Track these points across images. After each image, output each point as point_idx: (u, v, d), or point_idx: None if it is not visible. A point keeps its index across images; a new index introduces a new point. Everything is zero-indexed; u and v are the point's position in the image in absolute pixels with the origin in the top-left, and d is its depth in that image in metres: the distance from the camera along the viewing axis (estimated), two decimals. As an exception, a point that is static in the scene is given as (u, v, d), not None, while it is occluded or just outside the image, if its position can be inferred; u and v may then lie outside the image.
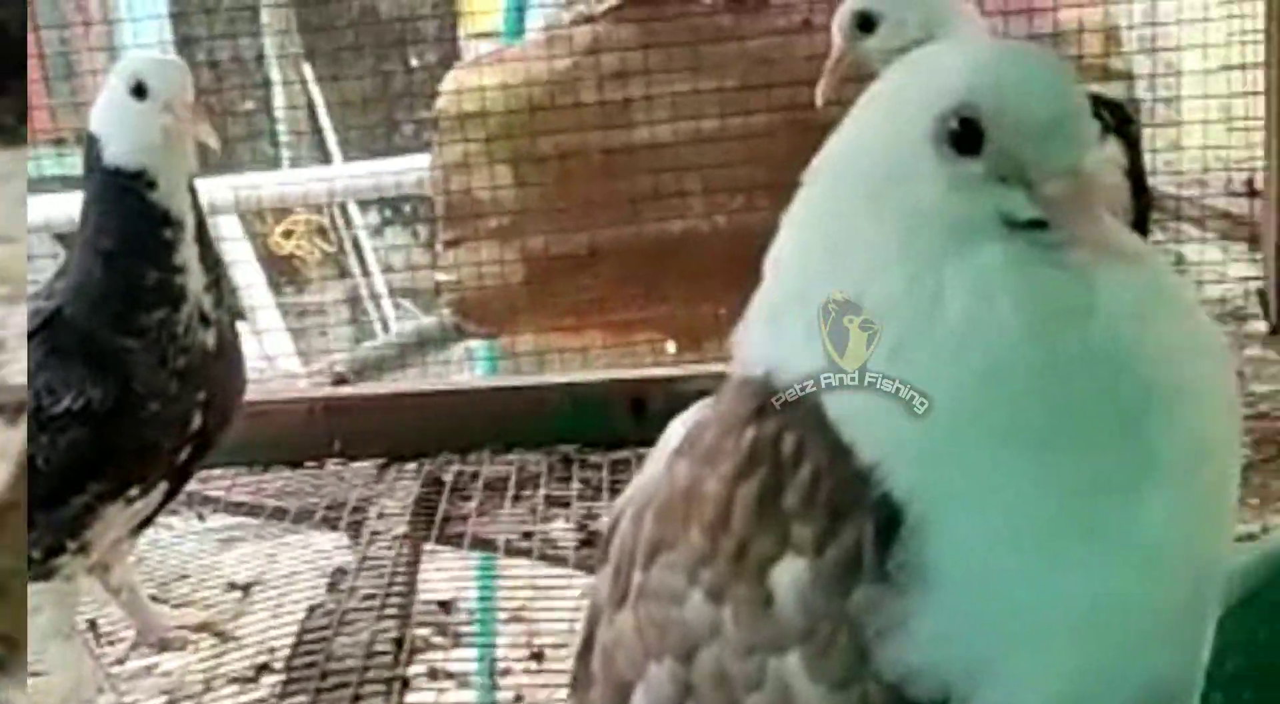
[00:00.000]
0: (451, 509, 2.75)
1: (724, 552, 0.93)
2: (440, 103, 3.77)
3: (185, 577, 2.62)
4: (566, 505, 2.76)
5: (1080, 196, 0.88)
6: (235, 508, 2.85)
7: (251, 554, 2.69)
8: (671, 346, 3.70)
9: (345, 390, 3.38)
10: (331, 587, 2.50)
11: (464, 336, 3.77)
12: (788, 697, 0.91)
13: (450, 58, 4.56)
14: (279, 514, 2.80)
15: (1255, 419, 2.83)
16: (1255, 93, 3.26)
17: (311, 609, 2.42)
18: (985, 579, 0.86)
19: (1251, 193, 3.47)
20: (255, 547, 2.72)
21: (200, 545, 2.75)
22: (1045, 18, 3.51)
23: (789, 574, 0.91)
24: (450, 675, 2.30)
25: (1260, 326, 3.43)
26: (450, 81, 3.79)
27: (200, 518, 2.82)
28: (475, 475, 2.86)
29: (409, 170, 4.00)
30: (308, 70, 5.48)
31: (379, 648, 2.29)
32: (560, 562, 2.60)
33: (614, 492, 2.77)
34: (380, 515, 2.72)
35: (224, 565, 2.66)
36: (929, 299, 0.88)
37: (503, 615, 2.48)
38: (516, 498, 2.78)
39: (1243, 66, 3.27)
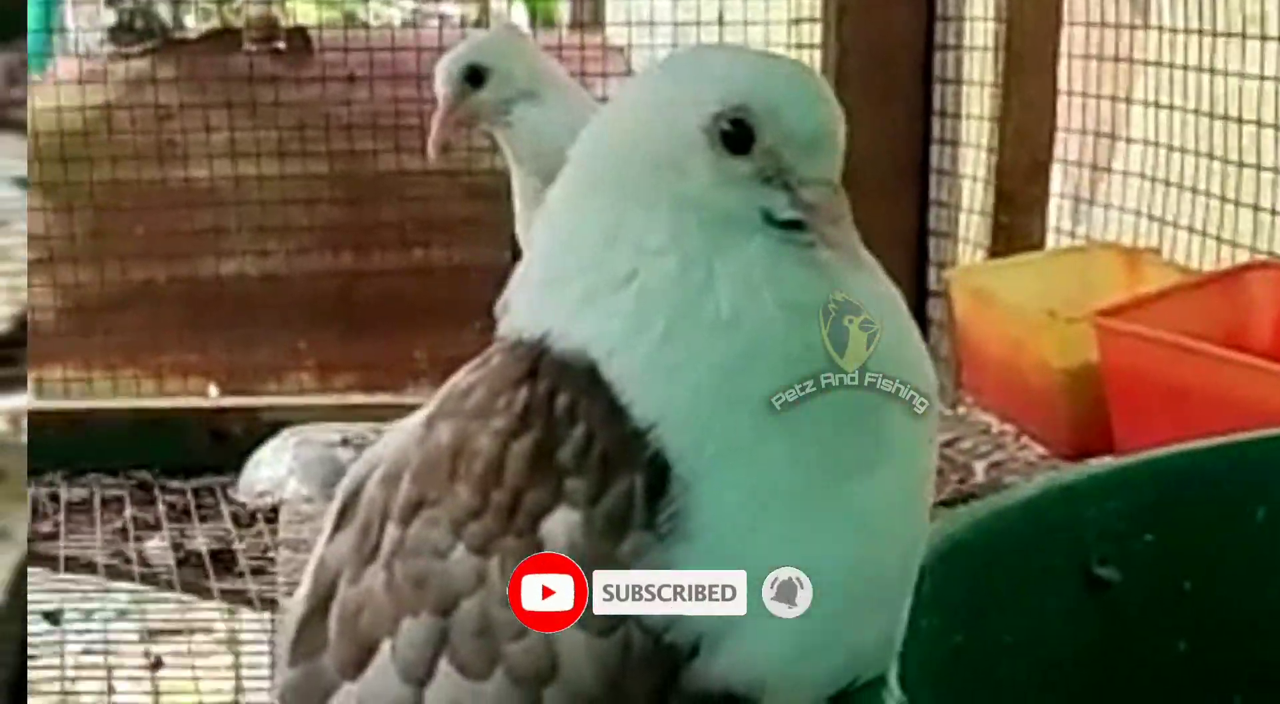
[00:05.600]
0: (34, 528, 2.60)
1: (494, 505, 0.95)
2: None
3: None
4: (156, 527, 2.66)
5: (833, 205, 0.96)
6: None
7: None
8: (214, 390, 3.60)
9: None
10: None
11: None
12: (550, 643, 0.93)
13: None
14: None
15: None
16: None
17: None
18: (737, 539, 0.92)
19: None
20: None
21: None
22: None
23: (561, 524, 0.93)
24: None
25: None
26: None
27: None
28: (54, 497, 2.72)
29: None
30: None
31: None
32: (158, 581, 2.52)
33: (203, 518, 2.70)
34: (-42, 533, 2.54)
35: None
36: (699, 285, 0.94)
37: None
38: (104, 520, 2.66)
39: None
